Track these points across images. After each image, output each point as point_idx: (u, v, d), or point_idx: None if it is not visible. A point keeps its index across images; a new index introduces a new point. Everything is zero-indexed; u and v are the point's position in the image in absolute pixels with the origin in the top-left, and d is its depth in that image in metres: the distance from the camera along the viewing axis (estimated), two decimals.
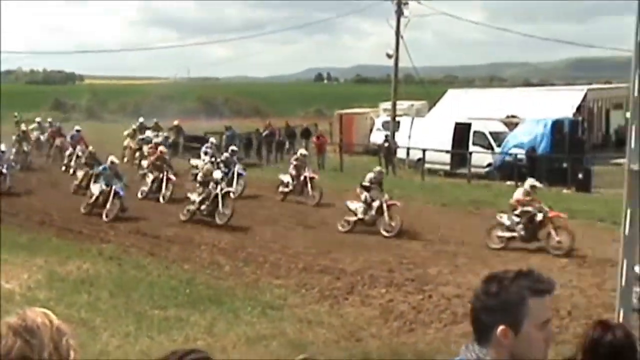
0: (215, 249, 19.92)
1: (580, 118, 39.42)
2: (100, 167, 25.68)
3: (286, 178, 27.49)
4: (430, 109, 47.28)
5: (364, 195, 22.30)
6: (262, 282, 16.82)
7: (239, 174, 28.57)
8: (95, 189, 24.77)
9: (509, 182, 31.54)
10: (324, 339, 12.71)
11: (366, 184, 22.62)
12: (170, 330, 12.95)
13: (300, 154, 28.56)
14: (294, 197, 27.03)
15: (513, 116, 39.93)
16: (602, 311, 12.72)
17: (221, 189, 23.48)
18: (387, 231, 21.42)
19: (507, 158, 34.22)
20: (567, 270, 17.12)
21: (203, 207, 23.39)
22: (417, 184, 31.67)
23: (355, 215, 22.19)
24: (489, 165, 35.34)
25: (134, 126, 40.52)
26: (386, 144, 37.27)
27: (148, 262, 18.46)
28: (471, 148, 36.05)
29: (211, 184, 23.65)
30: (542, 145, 34.26)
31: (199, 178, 24.52)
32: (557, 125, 35.28)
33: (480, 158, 35.15)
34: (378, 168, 24.73)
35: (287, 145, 42.62)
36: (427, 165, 35.05)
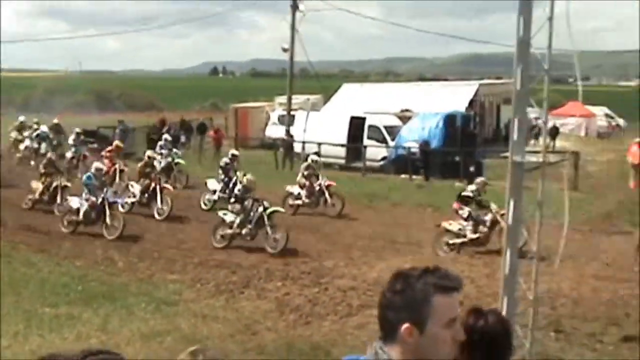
0: (109, 245, 19.58)
1: (472, 112, 40.38)
2: (84, 177, 22.19)
3: (295, 189, 24.44)
4: (325, 103, 47.61)
5: (466, 210, 18.74)
6: (156, 277, 16.65)
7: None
8: (75, 202, 21.23)
9: (403, 176, 32.12)
10: (219, 334, 12.67)
11: (468, 194, 19.13)
12: (61, 329, 12.68)
13: (312, 161, 25.77)
14: (309, 209, 24.12)
15: (407, 110, 40.57)
16: (492, 300, 13.02)
17: (264, 208, 19.35)
18: None
19: (401, 152, 34.73)
20: (459, 261, 17.46)
21: (245, 230, 19.43)
22: None
23: (462, 236, 18.65)
24: (384, 158, 35.81)
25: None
26: (284, 137, 37.33)
27: (39, 259, 18.01)
28: (366, 142, 36.48)
29: (247, 201, 19.74)
30: (435, 139, 34.88)
31: (236, 192, 20.58)
32: (449, 119, 35.98)
33: (375, 152, 35.58)
34: (481, 179, 20.16)
35: (182, 139, 42.20)
36: (322, 159, 35.22)
